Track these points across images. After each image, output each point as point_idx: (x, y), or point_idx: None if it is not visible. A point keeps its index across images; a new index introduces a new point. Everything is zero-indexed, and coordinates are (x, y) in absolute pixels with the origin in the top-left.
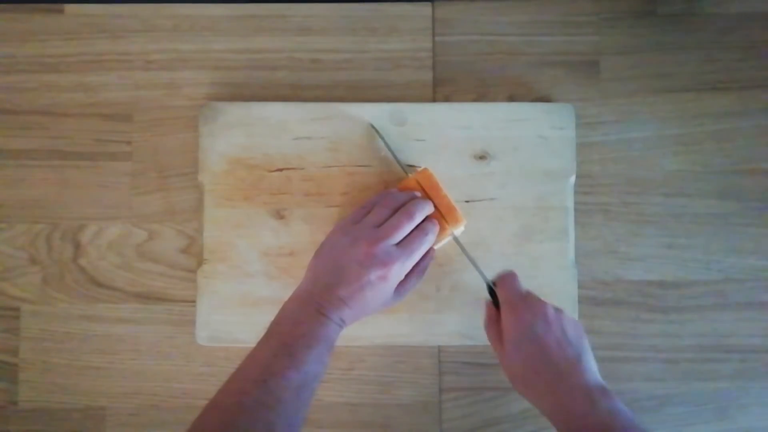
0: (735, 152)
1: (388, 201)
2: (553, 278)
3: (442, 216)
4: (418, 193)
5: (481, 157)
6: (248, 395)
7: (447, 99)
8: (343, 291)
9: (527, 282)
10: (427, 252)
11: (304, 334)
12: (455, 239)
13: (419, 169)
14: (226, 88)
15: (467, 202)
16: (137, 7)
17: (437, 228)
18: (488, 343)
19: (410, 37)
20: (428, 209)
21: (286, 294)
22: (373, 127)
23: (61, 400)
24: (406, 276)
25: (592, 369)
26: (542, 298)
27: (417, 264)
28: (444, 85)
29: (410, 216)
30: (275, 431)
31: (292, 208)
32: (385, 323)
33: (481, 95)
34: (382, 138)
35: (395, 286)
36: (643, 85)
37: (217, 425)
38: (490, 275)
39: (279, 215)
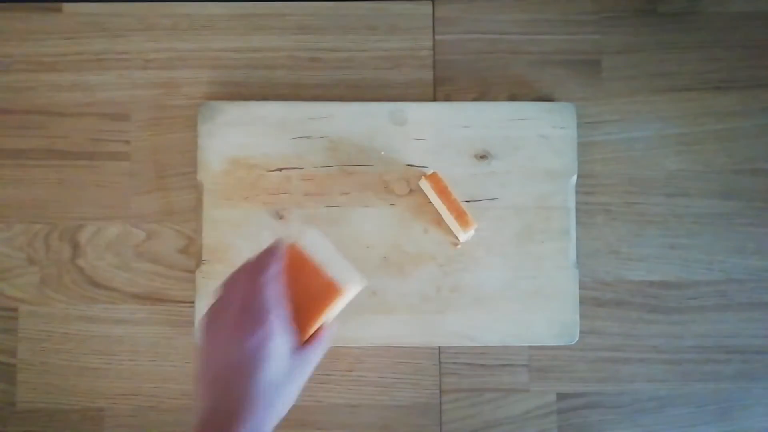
0: (737, 152)
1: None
2: (554, 279)
3: (453, 219)
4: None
5: (482, 157)
6: None
7: (447, 98)
8: (232, 393)
9: (527, 283)
10: (321, 327)
11: None
12: None
13: (428, 173)
14: (225, 87)
15: (468, 201)
16: (135, 6)
17: (269, 264)
18: (490, 343)
19: (411, 35)
20: (252, 264)
21: None
22: None
23: (59, 401)
24: (307, 343)
25: None
26: None
27: (318, 333)
28: (444, 84)
29: (243, 279)
30: None
31: (291, 208)
32: (386, 324)
33: (482, 94)
34: None
35: (287, 344)
36: (645, 84)
37: None
38: (490, 276)
39: (278, 215)
